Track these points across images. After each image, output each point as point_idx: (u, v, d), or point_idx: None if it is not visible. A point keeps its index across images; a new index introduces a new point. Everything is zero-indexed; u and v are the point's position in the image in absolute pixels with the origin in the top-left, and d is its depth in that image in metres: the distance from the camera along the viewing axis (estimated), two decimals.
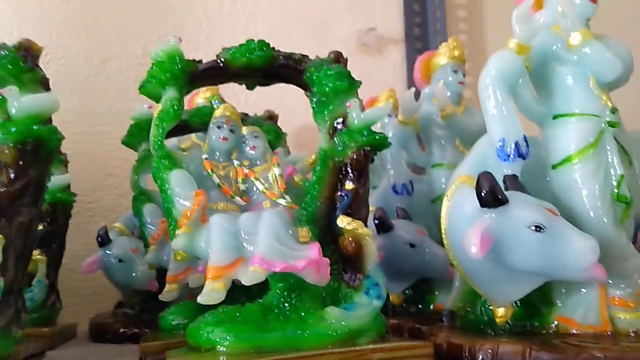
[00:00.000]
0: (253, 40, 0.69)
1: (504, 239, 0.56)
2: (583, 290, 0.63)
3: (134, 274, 0.97)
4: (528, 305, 0.66)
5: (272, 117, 0.96)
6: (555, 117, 0.67)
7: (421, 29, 1.61)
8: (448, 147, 0.95)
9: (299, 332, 0.55)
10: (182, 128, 0.92)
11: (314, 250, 0.55)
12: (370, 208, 0.90)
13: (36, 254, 0.95)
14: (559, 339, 0.59)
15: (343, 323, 0.56)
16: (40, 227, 0.98)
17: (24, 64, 0.62)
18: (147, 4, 1.34)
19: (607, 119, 0.64)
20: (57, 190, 1.00)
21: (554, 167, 0.66)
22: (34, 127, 0.58)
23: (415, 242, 0.84)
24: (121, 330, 0.93)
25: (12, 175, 0.57)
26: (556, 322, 0.63)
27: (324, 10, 1.54)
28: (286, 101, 1.16)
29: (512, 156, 0.63)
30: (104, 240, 0.98)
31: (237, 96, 1.34)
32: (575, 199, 0.63)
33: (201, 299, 0.52)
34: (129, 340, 0.90)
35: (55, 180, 1.00)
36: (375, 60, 1.57)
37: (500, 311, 0.63)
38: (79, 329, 1.05)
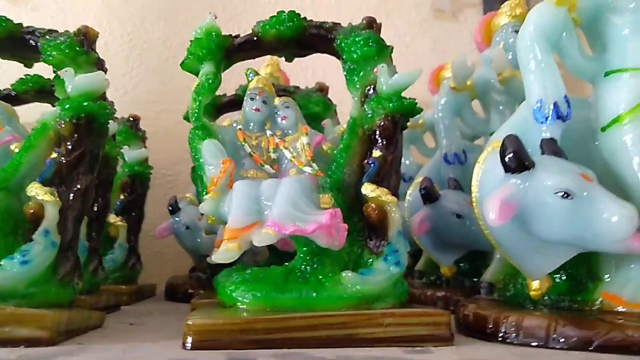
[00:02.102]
0: (283, 11, 0.70)
1: (529, 207, 0.53)
2: (633, 265, 0.57)
3: (198, 240, 1.05)
4: (573, 280, 0.61)
5: (322, 89, 0.96)
6: (607, 74, 0.60)
7: None
8: (507, 113, 0.88)
9: (315, 294, 0.57)
10: (238, 103, 0.97)
11: (325, 215, 0.55)
12: (419, 179, 0.89)
13: (117, 221, 1.06)
14: (599, 315, 0.55)
15: (358, 287, 0.57)
16: (121, 196, 1.10)
17: (80, 47, 0.69)
18: None
19: None
20: (135, 163, 1.11)
21: (602, 129, 0.59)
22: (85, 104, 0.64)
23: (463, 212, 0.81)
24: (189, 290, 1.02)
25: (69, 147, 0.64)
26: (601, 299, 0.58)
27: None
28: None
29: (550, 118, 0.58)
30: (173, 209, 1.07)
31: (304, 72, 1.37)
32: (625, 165, 0.57)
33: (215, 258, 0.55)
34: None
35: (134, 154, 1.11)
36: (451, 26, 1.50)
37: (535, 284, 0.59)
38: (158, 289, 1.17)
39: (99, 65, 0.71)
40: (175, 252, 1.32)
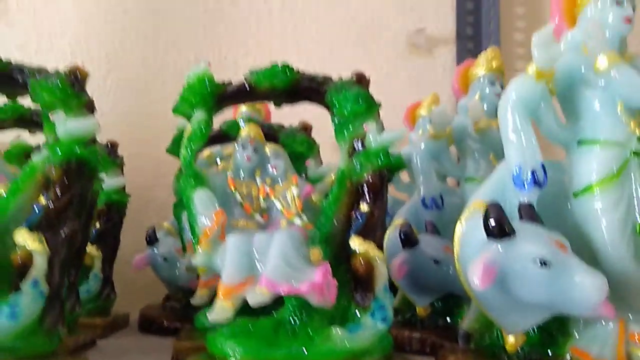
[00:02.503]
0: (277, 64, 0.72)
1: (509, 272, 0.56)
2: (601, 323, 0.61)
3: (177, 272, 1.05)
4: (545, 333, 0.65)
5: (306, 128, 0.98)
6: (580, 142, 0.65)
7: (474, 29, 1.57)
8: (481, 161, 0.93)
9: (305, 350, 0.59)
10: (222, 137, 0.98)
11: (318, 274, 0.57)
12: (399, 221, 0.92)
13: (92, 250, 1.04)
14: None
15: (347, 343, 0.59)
16: (97, 225, 1.08)
17: (71, 89, 0.68)
18: (200, 13, 1.41)
19: (633, 148, 0.61)
20: (112, 191, 1.10)
21: (575, 195, 0.64)
22: (77, 150, 0.64)
23: (440, 258, 0.84)
24: (165, 323, 1.02)
25: (58, 192, 0.64)
26: (570, 354, 0.62)
27: (373, 11, 1.53)
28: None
29: (528, 184, 0.62)
30: (151, 239, 1.06)
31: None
32: (594, 230, 0.61)
33: (210, 318, 0.56)
34: (171, 333, 0.98)
35: (111, 182, 1.10)
36: (426, 61, 1.55)
37: (511, 339, 0.63)
38: (132, 317, 1.15)
39: (90, 107, 0.71)
40: (148, 278, 1.31)
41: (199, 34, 1.41)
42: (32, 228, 0.62)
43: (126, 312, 1.18)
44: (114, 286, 1.11)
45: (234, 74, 1.39)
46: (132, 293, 1.28)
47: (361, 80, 0.73)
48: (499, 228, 0.56)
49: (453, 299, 0.90)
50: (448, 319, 0.92)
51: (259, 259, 0.60)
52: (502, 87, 0.96)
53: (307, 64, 1.46)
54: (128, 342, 0.93)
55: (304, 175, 0.91)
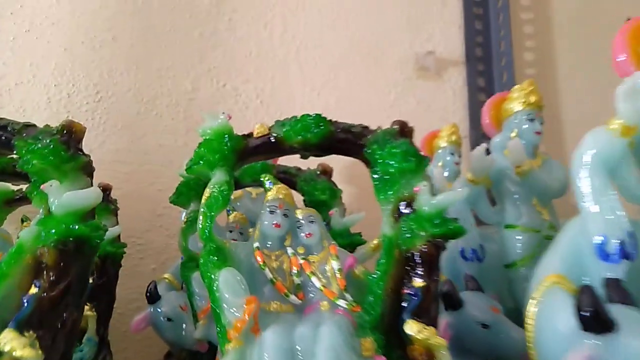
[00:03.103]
0: (309, 115, 0.62)
1: None
2: None
3: (183, 333, 0.93)
4: None
5: (326, 172, 0.89)
6: None
7: (483, 50, 1.49)
8: (523, 207, 0.85)
9: None
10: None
11: None
12: None
13: (86, 310, 0.92)
14: None
15: None
16: (90, 280, 0.96)
17: (65, 152, 0.57)
18: (196, 38, 1.30)
19: None
20: (106, 243, 0.98)
21: None
22: (75, 227, 0.53)
23: (489, 322, 0.75)
24: None
25: (52, 278, 0.53)
26: None
27: (378, 34, 1.45)
28: None
29: (615, 257, 0.53)
30: (153, 297, 0.94)
31: None
32: None
33: None
34: None
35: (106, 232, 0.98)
36: (435, 84, 1.47)
37: None
38: None
39: (87, 170, 0.60)
40: (145, 331, 1.19)
41: (195, 60, 1.30)
42: (22, 326, 0.51)
43: None
44: (110, 348, 0.99)
45: (235, 102, 1.30)
46: (128, 349, 1.16)
47: (404, 131, 0.63)
48: (598, 321, 0.47)
49: None
50: None
51: (304, 359, 0.50)
52: (542, 124, 0.87)
53: (311, 89, 1.39)
54: None
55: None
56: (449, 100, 1.47)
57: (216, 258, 0.56)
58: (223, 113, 0.62)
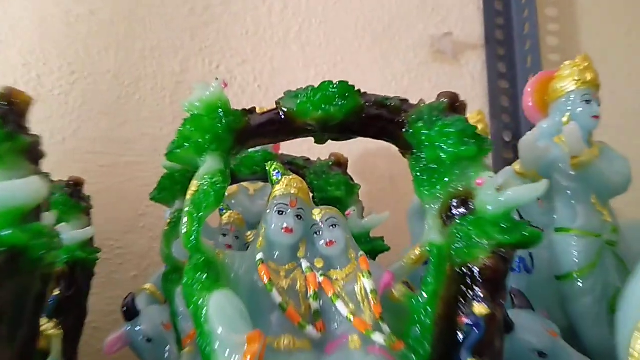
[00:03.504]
0: (331, 82, 0.46)
1: None
2: None
3: (165, 356, 0.78)
4: None
5: (340, 164, 0.73)
6: None
7: (504, 32, 1.35)
8: (579, 206, 0.70)
9: None
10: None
11: None
12: None
13: (50, 327, 0.77)
14: None
15: None
16: (56, 292, 0.81)
17: (2, 127, 0.42)
18: (186, 14, 1.15)
19: None
20: (76, 247, 0.82)
21: None
22: (6, 232, 0.38)
23: (547, 349, 0.60)
24: None
25: None
26: None
27: (391, 13, 1.30)
28: None
29: None
30: (130, 313, 0.79)
31: None
32: None
33: None
34: None
35: (74, 234, 0.82)
36: (452, 69, 1.32)
37: None
38: None
39: (32, 153, 0.45)
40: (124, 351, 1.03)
41: (184, 39, 1.14)
42: None
43: None
44: None
45: (229, 86, 1.14)
46: None
47: (455, 106, 0.48)
48: None
49: None
50: None
51: None
52: (599, 105, 0.73)
53: (315, 72, 1.23)
54: None
55: None
56: (467, 86, 1.33)
57: (205, 275, 0.41)
58: (217, 79, 0.47)
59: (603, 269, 0.68)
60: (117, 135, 1.08)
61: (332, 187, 0.69)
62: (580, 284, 0.68)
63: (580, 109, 0.72)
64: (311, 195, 0.71)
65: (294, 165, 0.72)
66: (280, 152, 0.88)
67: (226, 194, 0.85)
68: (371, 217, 0.68)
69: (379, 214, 0.69)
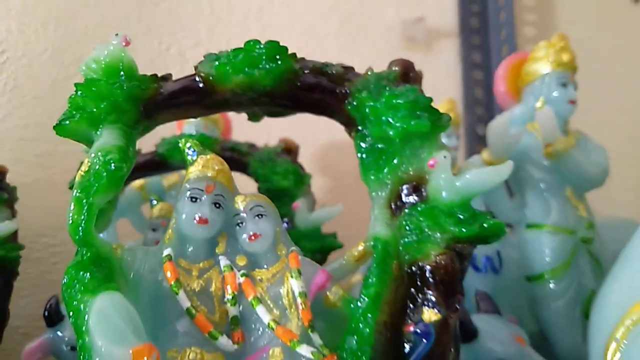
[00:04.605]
0: (257, 42, 0.39)
1: None
2: None
3: None
4: None
5: (290, 150, 0.66)
6: None
7: (480, 20, 1.29)
8: (553, 200, 0.64)
9: None
10: (159, 165, 0.64)
11: None
12: None
13: None
14: None
15: None
16: None
17: None
18: None
19: None
20: None
21: None
22: None
23: (512, 358, 0.54)
24: None
25: None
26: None
27: None
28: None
29: None
30: (52, 318, 0.70)
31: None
32: None
33: None
34: None
35: None
36: (424, 57, 1.26)
37: None
38: None
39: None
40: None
41: (131, 17, 1.05)
42: None
43: None
44: None
45: (181, 70, 1.05)
46: None
47: (409, 75, 0.40)
48: None
49: None
50: None
51: None
52: (576, 90, 0.66)
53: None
54: None
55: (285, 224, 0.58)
56: (440, 76, 1.26)
57: (89, 275, 0.33)
58: (117, 35, 0.39)
59: (577, 270, 0.62)
60: (54, 122, 0.97)
61: (278, 176, 0.61)
62: (553, 286, 0.62)
63: (556, 93, 0.66)
64: (256, 185, 0.64)
65: (236, 152, 0.64)
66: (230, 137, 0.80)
67: (166, 184, 0.78)
68: (321, 210, 0.61)
69: (332, 206, 0.62)
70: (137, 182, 0.79)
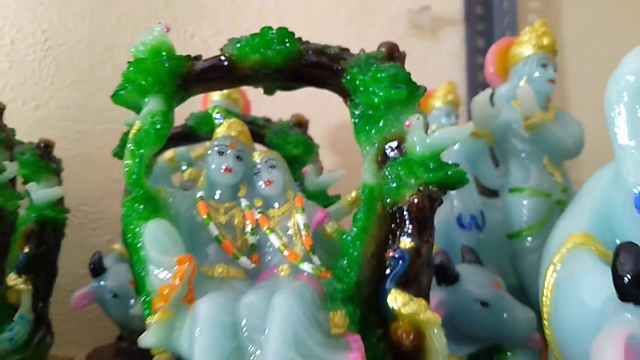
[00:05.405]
0: (270, 28, 0.48)
1: None
2: None
3: (131, 310, 0.80)
4: None
5: (301, 124, 0.75)
6: None
7: (484, 8, 1.36)
8: (532, 167, 0.72)
9: None
10: (188, 136, 0.74)
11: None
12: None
13: (19, 283, 0.79)
14: None
15: None
16: (26, 249, 0.83)
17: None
18: None
19: None
20: (45, 206, 0.84)
21: None
22: None
23: (490, 299, 0.63)
24: None
25: None
26: None
27: None
28: (319, 92, 0.96)
29: None
30: (96, 270, 0.82)
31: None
32: None
33: None
34: None
35: (44, 194, 0.84)
36: (430, 45, 1.34)
37: None
38: None
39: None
40: (96, 309, 1.05)
41: (159, 8, 1.15)
42: None
43: (69, 357, 0.93)
44: (51, 327, 0.86)
45: (204, 56, 1.16)
46: (76, 330, 1.03)
47: (394, 55, 0.50)
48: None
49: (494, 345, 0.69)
50: None
51: (252, 339, 0.37)
52: (555, 71, 0.74)
53: None
54: None
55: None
56: (445, 62, 1.34)
57: (143, 206, 0.43)
58: (160, 23, 0.49)
59: (551, 228, 0.70)
60: (91, 104, 1.09)
61: (290, 145, 0.71)
62: (529, 241, 0.70)
63: (537, 73, 0.74)
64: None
65: (254, 125, 0.74)
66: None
67: (193, 155, 0.88)
68: (327, 174, 0.70)
69: (337, 171, 0.71)
70: (167, 155, 0.89)
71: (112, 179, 1.09)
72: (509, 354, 0.69)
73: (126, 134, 0.73)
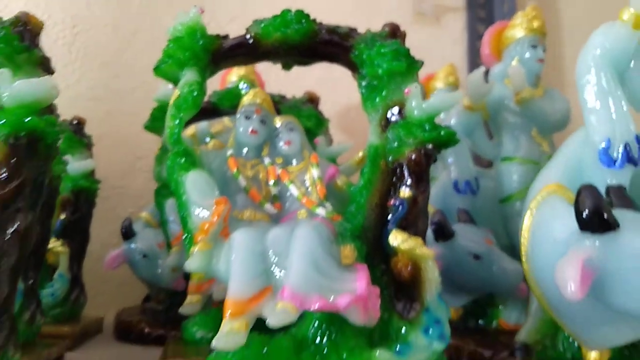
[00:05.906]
0: (289, 10, 0.56)
1: (610, 275, 0.42)
2: None
3: (159, 271, 0.89)
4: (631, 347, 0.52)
5: (312, 100, 0.83)
6: None
7: None
8: (522, 138, 0.80)
9: None
10: (211, 111, 0.82)
11: (361, 282, 0.43)
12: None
13: (58, 245, 0.88)
14: None
15: None
16: (62, 216, 0.92)
17: (18, 42, 0.51)
18: None
19: None
20: (79, 177, 0.93)
21: None
22: (28, 119, 0.48)
23: (482, 253, 0.71)
24: (146, 330, 0.86)
25: (4, 176, 0.48)
26: None
27: None
28: (329, 77, 1.04)
29: (619, 161, 0.48)
30: (127, 233, 0.90)
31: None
32: None
33: (216, 344, 0.41)
34: (153, 342, 0.84)
35: (78, 165, 0.93)
36: (433, 31, 1.40)
37: (593, 355, 0.50)
38: (106, 321, 0.99)
39: (44, 65, 0.55)
40: (125, 274, 1.14)
41: None
42: None
43: (99, 316, 1.02)
44: (84, 287, 0.95)
45: None
46: (105, 292, 1.12)
47: (396, 33, 0.57)
48: (599, 220, 0.42)
49: (485, 297, 0.77)
50: (480, 321, 0.79)
51: (277, 263, 0.45)
52: (544, 52, 0.82)
53: None
54: (102, 354, 0.78)
55: None
56: (447, 48, 1.41)
57: (184, 159, 0.51)
58: (195, 6, 0.57)
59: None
60: (117, 85, 1.17)
61: (303, 119, 0.78)
62: (519, 205, 0.78)
63: (528, 53, 0.81)
64: None
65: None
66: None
67: (213, 131, 0.96)
68: (337, 145, 0.78)
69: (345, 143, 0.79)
70: (189, 131, 0.97)
71: (136, 156, 1.18)
72: (500, 307, 0.78)
73: (157, 109, 0.81)
